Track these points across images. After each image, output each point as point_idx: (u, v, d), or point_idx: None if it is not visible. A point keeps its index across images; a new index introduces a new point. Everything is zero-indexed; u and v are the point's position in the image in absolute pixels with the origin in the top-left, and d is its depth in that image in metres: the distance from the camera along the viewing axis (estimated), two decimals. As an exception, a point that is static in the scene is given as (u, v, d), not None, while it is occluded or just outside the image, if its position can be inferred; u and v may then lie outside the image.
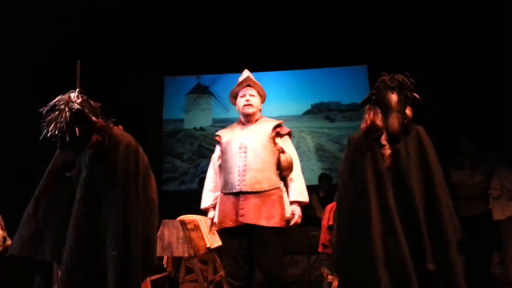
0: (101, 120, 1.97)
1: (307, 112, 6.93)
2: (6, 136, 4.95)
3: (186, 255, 3.05)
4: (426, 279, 1.84)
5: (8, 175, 4.84)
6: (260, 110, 2.70)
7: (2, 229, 4.20)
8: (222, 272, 3.46)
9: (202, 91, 7.04)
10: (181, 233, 3.03)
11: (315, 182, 6.13)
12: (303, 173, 2.67)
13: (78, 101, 1.92)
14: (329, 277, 3.01)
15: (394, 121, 1.91)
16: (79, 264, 1.90)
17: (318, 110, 6.92)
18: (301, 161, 2.71)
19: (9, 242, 4.16)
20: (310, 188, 6.10)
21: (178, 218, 3.17)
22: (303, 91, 6.92)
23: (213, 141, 2.74)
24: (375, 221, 1.88)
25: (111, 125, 2.06)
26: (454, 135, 5.13)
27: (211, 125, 6.87)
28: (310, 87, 6.91)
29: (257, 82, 2.70)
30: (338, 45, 6.23)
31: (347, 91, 6.82)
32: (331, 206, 3.27)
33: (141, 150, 2.11)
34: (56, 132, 1.87)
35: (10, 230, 4.22)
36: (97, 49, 5.60)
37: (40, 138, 1.91)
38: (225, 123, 7.03)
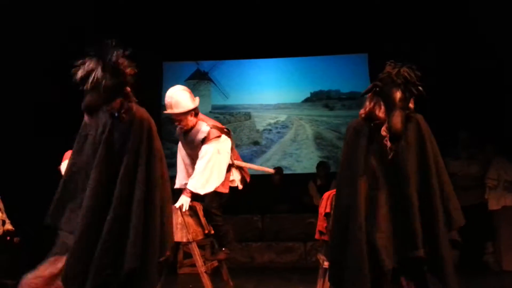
0: (130, 91, 2.06)
1: (306, 100, 6.91)
2: (8, 122, 4.96)
3: (184, 240, 3.09)
4: (415, 265, 1.90)
5: (8, 158, 4.86)
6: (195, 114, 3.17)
7: (2, 212, 4.21)
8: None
9: (202, 77, 7.01)
10: (179, 219, 3.06)
11: (312, 170, 6.16)
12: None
13: (120, 59, 2.00)
14: (325, 263, 3.05)
15: (398, 120, 1.90)
16: (90, 236, 1.94)
17: (317, 98, 6.90)
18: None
19: (8, 225, 4.18)
20: (308, 176, 6.19)
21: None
22: (302, 78, 6.89)
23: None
24: (362, 207, 1.95)
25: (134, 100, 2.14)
26: (453, 125, 5.14)
27: (210, 112, 6.85)
28: (309, 75, 6.88)
29: (176, 110, 3.12)
30: (338, 33, 6.18)
31: (347, 80, 6.79)
32: (328, 194, 3.29)
33: (155, 129, 2.18)
34: (90, 77, 1.92)
35: (9, 213, 4.26)
36: (96, 34, 5.55)
37: (73, 81, 1.96)
38: (224, 109, 7.03)
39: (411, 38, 5.74)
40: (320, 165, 5.99)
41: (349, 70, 6.78)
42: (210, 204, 3.18)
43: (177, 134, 3.37)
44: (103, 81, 1.93)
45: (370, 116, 2.05)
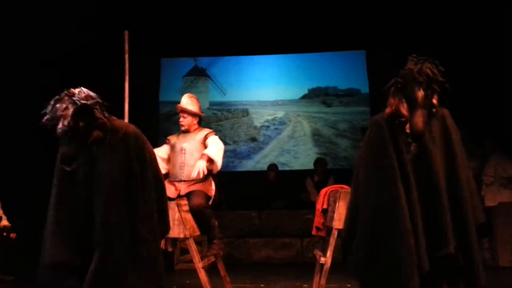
0: (102, 116, 1.99)
1: (304, 97, 6.92)
2: (5, 121, 4.94)
3: (181, 236, 3.09)
4: (446, 262, 1.85)
5: (4, 156, 4.84)
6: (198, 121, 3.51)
7: (-1, 208, 4.20)
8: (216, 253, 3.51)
9: (199, 73, 6.99)
10: (177, 215, 3.06)
11: (310, 166, 6.16)
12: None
13: (83, 95, 1.93)
14: (322, 259, 3.06)
15: (419, 120, 1.85)
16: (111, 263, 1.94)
17: (315, 95, 6.91)
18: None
19: (4, 221, 4.17)
20: (305, 173, 6.19)
21: (174, 200, 3.20)
22: (300, 75, 6.88)
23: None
24: (404, 204, 1.86)
25: (112, 118, 2.08)
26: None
27: (208, 108, 6.84)
28: (307, 71, 6.88)
29: (188, 106, 3.45)
30: (336, 29, 6.18)
31: (344, 76, 6.80)
32: (325, 190, 3.30)
33: (144, 138, 2.14)
34: (60, 126, 1.88)
35: (6, 210, 4.25)
36: (94, 31, 5.52)
37: (44, 129, 1.93)
38: (222, 106, 7.03)
39: (410, 35, 5.73)
40: (317, 162, 6.00)
41: (347, 67, 6.78)
42: (201, 199, 3.28)
43: (168, 140, 3.54)
44: (76, 127, 1.90)
45: (396, 113, 1.99)
